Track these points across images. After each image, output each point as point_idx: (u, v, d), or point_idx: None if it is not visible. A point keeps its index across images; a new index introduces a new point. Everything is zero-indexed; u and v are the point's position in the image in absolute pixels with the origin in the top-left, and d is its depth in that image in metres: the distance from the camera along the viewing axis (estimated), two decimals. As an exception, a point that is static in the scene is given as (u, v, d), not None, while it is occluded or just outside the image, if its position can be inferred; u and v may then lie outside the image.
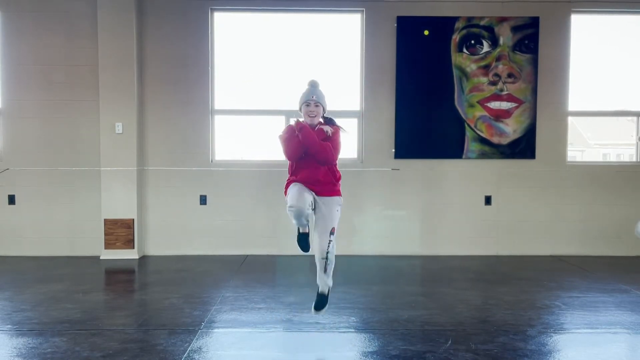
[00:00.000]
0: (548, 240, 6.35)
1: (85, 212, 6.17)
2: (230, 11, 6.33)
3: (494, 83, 6.22)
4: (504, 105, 6.24)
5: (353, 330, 3.63)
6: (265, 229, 6.28)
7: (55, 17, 6.08)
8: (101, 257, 6.04)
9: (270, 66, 6.37)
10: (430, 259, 6.12)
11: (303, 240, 3.43)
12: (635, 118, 6.43)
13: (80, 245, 6.19)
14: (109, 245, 6.05)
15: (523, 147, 6.28)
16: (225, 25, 6.35)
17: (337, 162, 3.41)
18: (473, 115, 6.24)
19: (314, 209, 3.35)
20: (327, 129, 3.32)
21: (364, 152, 6.28)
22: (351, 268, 5.56)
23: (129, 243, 6.06)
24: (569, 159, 6.43)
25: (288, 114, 6.23)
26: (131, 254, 6.06)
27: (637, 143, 6.46)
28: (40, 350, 3.20)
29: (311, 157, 3.29)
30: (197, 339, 3.41)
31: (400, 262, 5.93)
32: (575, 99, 6.36)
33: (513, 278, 5.16)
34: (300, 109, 3.42)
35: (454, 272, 5.46)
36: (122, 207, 6.03)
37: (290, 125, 3.41)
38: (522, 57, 6.22)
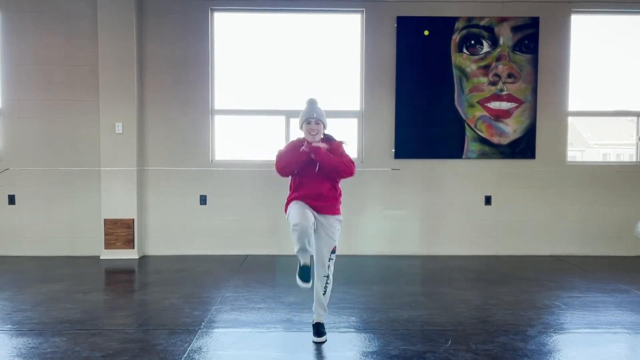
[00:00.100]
0: (548, 240, 6.35)
1: (85, 212, 6.17)
2: (230, 11, 6.33)
3: (494, 83, 6.22)
4: (504, 105, 6.24)
5: (353, 330, 3.63)
6: (265, 229, 6.28)
7: (55, 17, 6.08)
8: (101, 257, 6.04)
9: (270, 66, 6.37)
10: (430, 259, 6.12)
11: (306, 273, 3.26)
12: (635, 118, 6.43)
13: (80, 245, 6.19)
14: (109, 245, 6.05)
15: (523, 147, 6.28)
16: (225, 25, 6.35)
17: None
18: (473, 115, 6.24)
19: (315, 229, 3.31)
20: (324, 145, 3.28)
21: (364, 152, 6.28)
22: (351, 268, 5.56)
23: (129, 243, 6.06)
24: (569, 159, 6.43)
25: (288, 114, 6.23)
26: (131, 254, 6.06)
27: (637, 143, 6.46)
28: (40, 350, 3.20)
29: (312, 171, 3.28)
30: (197, 339, 3.41)
31: (400, 262, 5.93)
32: (575, 99, 6.36)
33: (513, 278, 5.16)
34: (301, 127, 3.40)
35: (454, 272, 5.46)
36: (122, 207, 6.03)
37: (292, 141, 3.44)
38: (522, 57, 6.22)
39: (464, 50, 6.21)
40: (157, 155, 6.26)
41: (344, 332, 3.58)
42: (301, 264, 3.25)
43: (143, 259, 6.10)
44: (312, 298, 3.52)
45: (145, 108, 6.23)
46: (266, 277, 5.14)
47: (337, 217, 3.39)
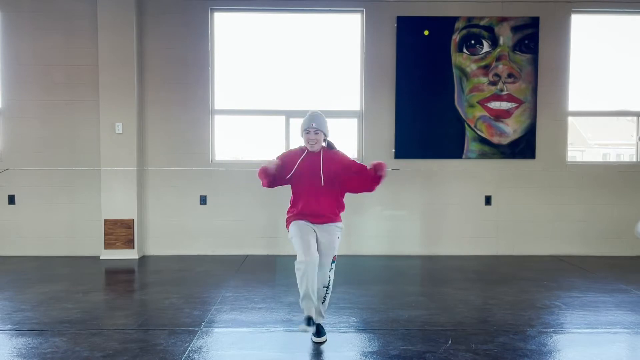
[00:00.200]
0: (548, 240, 6.35)
1: (85, 212, 6.17)
2: (230, 11, 6.33)
3: (494, 83, 6.22)
4: (504, 105, 6.24)
5: (353, 330, 3.63)
6: (265, 229, 6.28)
7: (55, 17, 6.08)
8: (101, 257, 6.04)
9: (270, 66, 6.37)
10: (430, 259, 6.12)
11: (310, 322, 3.20)
12: (635, 118, 6.42)
13: (80, 245, 6.19)
14: (109, 245, 6.05)
15: (523, 147, 6.28)
16: (225, 25, 6.35)
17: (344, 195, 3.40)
18: (473, 115, 6.24)
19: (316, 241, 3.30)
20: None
21: (364, 152, 6.27)
22: (351, 268, 5.56)
23: (129, 243, 6.06)
24: (569, 159, 6.43)
25: (288, 114, 6.23)
26: (131, 254, 6.06)
27: (637, 143, 6.46)
28: (40, 350, 3.20)
29: (315, 185, 3.26)
30: (197, 339, 3.41)
31: (400, 262, 5.93)
32: (575, 99, 6.36)
33: (513, 278, 5.16)
34: (302, 135, 3.38)
35: (454, 272, 5.46)
36: (122, 207, 6.03)
37: (293, 149, 3.44)
38: (522, 57, 6.22)
39: (464, 50, 6.21)
40: (157, 155, 6.26)
41: (344, 332, 3.58)
42: (305, 315, 3.20)
43: (143, 259, 6.10)
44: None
45: (145, 108, 6.23)
46: (266, 277, 5.14)
47: (337, 224, 3.36)
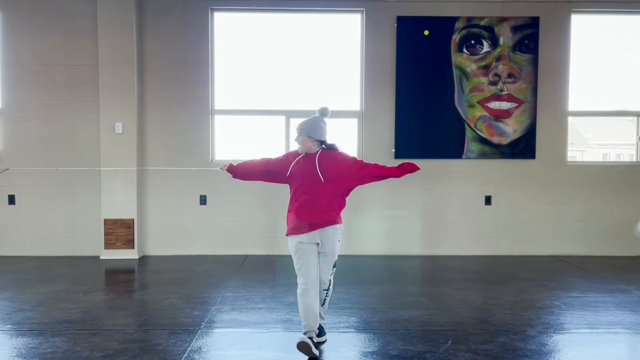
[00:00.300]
0: (548, 240, 6.35)
1: (85, 212, 6.17)
2: (230, 11, 6.33)
3: (494, 83, 6.22)
4: (504, 105, 6.24)
5: (353, 330, 3.63)
6: (265, 229, 6.28)
7: (55, 17, 6.08)
8: (101, 257, 6.04)
9: (270, 66, 6.37)
10: (430, 259, 6.12)
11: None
12: (635, 118, 6.43)
13: (80, 245, 6.19)
14: (109, 245, 6.05)
15: (523, 147, 6.28)
16: (225, 25, 6.35)
17: (349, 192, 3.35)
18: (473, 115, 6.24)
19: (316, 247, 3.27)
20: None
21: (364, 152, 6.27)
22: (351, 268, 5.56)
23: (129, 243, 6.06)
24: (569, 159, 6.43)
25: (288, 114, 6.23)
26: (131, 254, 6.06)
27: (637, 143, 6.46)
28: (40, 350, 3.20)
29: (314, 182, 3.22)
30: (197, 339, 3.41)
31: (400, 262, 5.93)
32: (575, 99, 6.36)
33: (513, 278, 5.16)
34: None
35: (454, 272, 5.46)
36: (122, 207, 6.03)
37: (290, 152, 3.42)
38: (522, 57, 6.22)
39: (464, 50, 6.21)
40: (157, 155, 6.26)
41: (344, 332, 3.58)
42: (311, 346, 3.12)
43: (143, 259, 6.10)
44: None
45: (145, 108, 6.23)
46: (266, 277, 5.14)
47: (336, 226, 3.28)
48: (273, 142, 6.31)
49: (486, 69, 6.21)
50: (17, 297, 4.39)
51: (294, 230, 3.25)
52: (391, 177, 3.31)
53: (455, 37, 6.20)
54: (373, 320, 3.82)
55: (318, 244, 3.23)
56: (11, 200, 6.17)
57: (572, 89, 6.33)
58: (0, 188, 6.17)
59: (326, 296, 3.34)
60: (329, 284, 3.32)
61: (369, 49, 6.23)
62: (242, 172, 3.45)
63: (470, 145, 6.26)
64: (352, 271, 5.43)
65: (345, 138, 6.30)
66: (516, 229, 6.34)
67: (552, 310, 4.11)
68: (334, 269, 3.32)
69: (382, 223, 6.31)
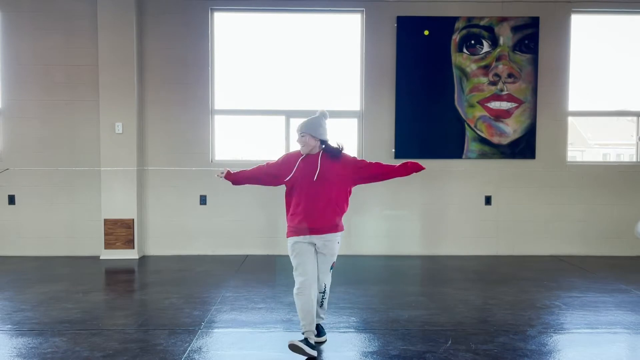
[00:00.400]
0: (548, 240, 6.35)
1: (85, 212, 6.17)
2: (230, 11, 6.33)
3: (494, 83, 6.22)
4: (504, 105, 6.24)
5: (353, 330, 3.63)
6: (265, 229, 6.28)
7: (55, 17, 6.08)
8: (101, 257, 6.04)
9: (270, 66, 6.37)
10: (430, 259, 6.12)
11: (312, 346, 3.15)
12: (635, 118, 6.43)
13: (80, 245, 6.19)
14: (109, 245, 6.05)
15: (523, 147, 6.28)
16: (225, 25, 6.35)
17: (349, 196, 3.32)
18: (473, 115, 6.24)
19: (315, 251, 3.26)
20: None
21: (364, 151, 6.27)
22: (351, 268, 5.56)
23: (129, 243, 6.06)
24: (569, 159, 6.43)
25: (288, 114, 6.23)
26: (131, 254, 6.06)
27: (637, 143, 6.46)
28: (40, 350, 3.20)
29: (310, 185, 3.19)
30: (197, 339, 3.41)
31: (400, 262, 5.93)
32: (575, 99, 6.37)
33: (513, 278, 5.16)
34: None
35: (454, 272, 5.46)
36: (122, 207, 6.03)
37: (290, 152, 3.40)
38: (522, 57, 6.22)
39: (464, 50, 6.21)
40: (157, 155, 6.26)
41: (344, 332, 3.58)
42: (310, 340, 3.13)
43: (143, 259, 6.10)
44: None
45: (145, 108, 6.23)
46: (266, 277, 5.14)
47: (337, 234, 3.26)
48: (273, 142, 6.31)
49: (486, 69, 6.21)
50: (17, 297, 4.39)
51: (293, 232, 3.24)
52: (396, 176, 3.30)
53: (455, 37, 6.20)
54: (373, 320, 3.82)
55: (315, 244, 3.23)
56: (11, 200, 6.17)
57: (572, 89, 6.33)
58: (0, 188, 6.17)
59: (323, 298, 3.33)
60: (325, 287, 3.30)
61: (369, 49, 6.23)
62: (242, 178, 3.39)
63: (470, 145, 6.26)
64: (352, 271, 5.43)
65: (345, 138, 6.30)
66: (516, 229, 6.34)
67: (552, 310, 4.11)
68: (331, 270, 3.31)
69: (382, 223, 6.31)
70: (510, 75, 6.21)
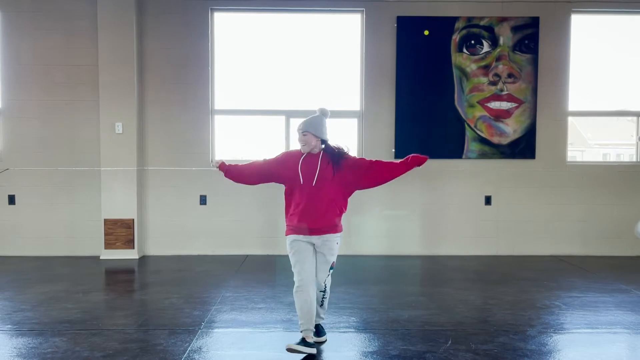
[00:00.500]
0: (548, 240, 6.35)
1: (85, 212, 6.17)
2: (230, 11, 6.33)
3: (494, 83, 6.22)
4: (504, 105, 6.24)
5: (353, 330, 3.63)
6: (265, 229, 6.28)
7: (55, 17, 6.08)
8: (101, 257, 6.04)
9: (270, 66, 6.37)
10: (430, 259, 6.12)
11: (307, 345, 3.13)
12: (635, 118, 6.42)
13: (80, 245, 6.19)
14: (109, 245, 6.05)
15: (523, 147, 6.28)
16: (225, 25, 6.35)
17: (347, 198, 3.31)
18: (473, 115, 6.24)
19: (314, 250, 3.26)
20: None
21: (364, 151, 6.27)
22: (351, 268, 5.56)
23: (129, 243, 6.06)
24: (569, 159, 6.43)
25: (288, 114, 6.23)
26: (131, 254, 6.06)
27: (637, 143, 6.46)
28: (40, 350, 3.20)
29: (310, 186, 3.18)
30: (197, 339, 3.41)
31: (400, 262, 5.93)
32: (575, 99, 6.36)
33: (513, 278, 5.15)
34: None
35: (454, 272, 5.46)
36: (122, 207, 6.03)
37: (290, 151, 3.40)
38: (522, 57, 6.22)
39: (464, 50, 6.21)
40: (157, 155, 6.26)
41: (344, 332, 3.58)
42: (307, 339, 3.13)
43: (143, 259, 6.10)
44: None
45: (145, 108, 6.23)
46: (266, 277, 5.14)
47: (337, 235, 3.25)
48: (273, 142, 6.31)
49: (486, 69, 6.21)
50: (17, 297, 4.39)
51: (292, 231, 3.24)
52: (399, 175, 3.28)
53: (455, 37, 6.20)
54: (373, 320, 3.82)
55: (315, 244, 3.23)
56: (11, 200, 6.17)
57: (572, 89, 6.33)
58: (0, 188, 6.17)
59: (324, 297, 3.32)
60: (326, 286, 3.29)
61: (369, 49, 6.23)
62: (234, 173, 3.36)
63: (470, 145, 6.26)
64: (352, 271, 5.43)
65: (345, 138, 6.30)
66: (516, 229, 6.34)
67: (552, 310, 4.11)
68: (331, 270, 3.30)
69: (382, 223, 6.31)
70: (510, 75, 6.21)
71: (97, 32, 5.97)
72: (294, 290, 3.19)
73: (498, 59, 6.21)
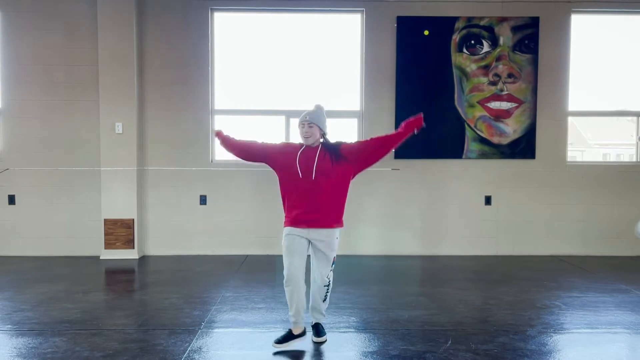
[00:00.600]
0: (548, 240, 6.35)
1: (85, 212, 6.17)
2: (230, 11, 6.33)
3: (494, 83, 6.22)
4: (504, 105, 6.24)
5: (353, 330, 3.63)
6: (265, 229, 6.28)
7: (55, 17, 6.08)
8: (101, 257, 6.04)
9: (270, 66, 6.37)
10: (430, 259, 6.12)
11: (289, 337, 3.26)
12: (635, 118, 6.42)
13: (80, 245, 6.19)
14: (109, 245, 6.05)
15: (523, 147, 6.28)
16: (225, 25, 6.35)
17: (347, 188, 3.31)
18: (473, 115, 6.24)
19: (312, 247, 3.27)
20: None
21: (364, 152, 6.26)
22: (351, 268, 5.56)
23: (129, 243, 6.06)
24: (569, 159, 6.43)
25: (288, 114, 6.23)
26: (131, 254, 6.06)
27: (637, 143, 6.46)
28: (40, 350, 3.20)
29: (308, 179, 3.16)
30: (197, 339, 3.41)
31: (400, 262, 5.93)
32: (575, 99, 6.36)
33: (513, 278, 5.15)
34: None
35: (454, 272, 5.46)
36: (122, 207, 6.03)
37: (290, 143, 3.43)
38: (522, 57, 6.22)
39: (464, 50, 6.20)
40: (157, 155, 6.26)
41: (344, 332, 3.58)
42: (294, 332, 3.24)
43: (143, 259, 6.10)
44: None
45: (145, 108, 6.23)
46: (266, 277, 5.14)
47: (336, 230, 3.25)
48: (273, 142, 6.29)
49: (486, 69, 6.21)
50: (17, 297, 4.39)
51: (290, 223, 3.25)
52: (398, 143, 3.34)
53: (455, 37, 6.20)
54: (373, 320, 3.82)
55: (313, 240, 3.23)
56: (11, 200, 6.17)
57: (572, 89, 6.33)
58: (0, 188, 6.17)
59: (327, 292, 3.33)
60: (329, 281, 3.30)
61: (369, 49, 6.23)
62: (232, 145, 3.51)
63: (470, 145, 6.26)
64: (352, 271, 5.43)
65: (345, 138, 6.28)
66: (516, 229, 6.34)
67: (552, 310, 4.11)
68: (333, 265, 3.31)
69: (382, 223, 6.31)
70: (510, 75, 6.21)
71: (97, 32, 5.97)
72: (284, 282, 3.24)
73: (498, 59, 6.20)
